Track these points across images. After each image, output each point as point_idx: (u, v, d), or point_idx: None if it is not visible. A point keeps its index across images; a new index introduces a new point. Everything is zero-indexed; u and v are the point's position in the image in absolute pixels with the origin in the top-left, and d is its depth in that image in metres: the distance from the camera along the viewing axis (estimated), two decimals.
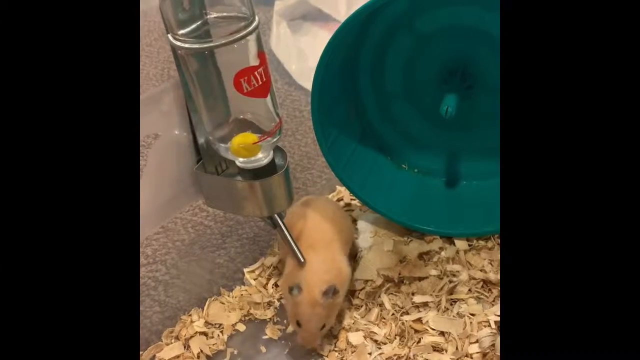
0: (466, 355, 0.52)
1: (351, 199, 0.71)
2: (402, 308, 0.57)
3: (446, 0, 0.57)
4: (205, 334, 0.57)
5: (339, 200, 0.72)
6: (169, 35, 0.45)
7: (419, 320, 0.55)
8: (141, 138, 0.79)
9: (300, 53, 0.94)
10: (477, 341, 0.52)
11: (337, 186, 0.74)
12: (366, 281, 0.60)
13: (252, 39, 0.45)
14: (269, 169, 0.51)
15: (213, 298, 0.60)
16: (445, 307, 0.56)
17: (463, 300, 0.57)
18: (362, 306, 0.58)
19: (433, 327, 0.54)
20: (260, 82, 0.46)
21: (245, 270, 0.64)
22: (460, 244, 0.62)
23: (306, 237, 0.55)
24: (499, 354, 0.49)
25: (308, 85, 0.91)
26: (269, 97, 0.48)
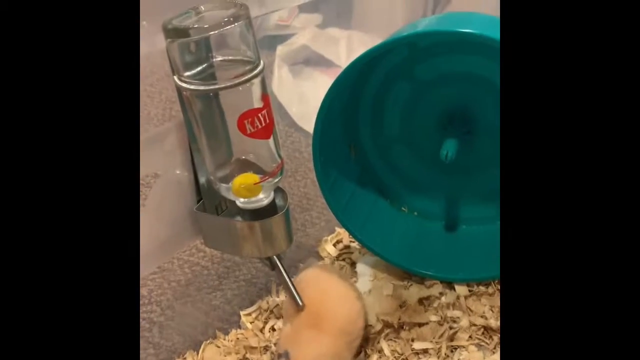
0: None
1: (350, 241, 0.71)
2: (402, 355, 0.56)
3: (445, 49, 0.58)
4: None
5: (338, 242, 0.71)
6: (175, 77, 0.46)
7: None
8: (141, 177, 0.79)
9: (301, 96, 0.96)
10: None
11: (336, 228, 0.73)
12: (365, 326, 0.59)
13: (256, 82, 0.46)
14: (270, 210, 0.51)
15: (208, 341, 0.59)
16: (445, 354, 0.55)
17: (464, 347, 0.56)
18: (360, 352, 0.57)
19: None
20: (263, 124, 0.47)
21: (242, 312, 0.62)
22: (461, 289, 0.62)
23: (318, 315, 0.52)
24: None
25: (308, 127, 0.93)
26: (271, 139, 0.49)
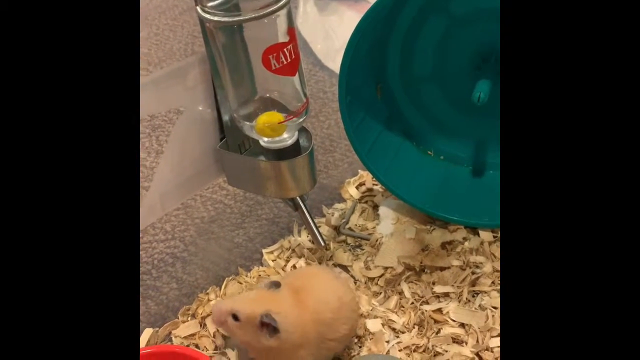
0: (487, 349, 0.50)
1: (374, 184, 0.70)
2: (422, 297, 0.56)
3: None
4: None
5: (361, 184, 0.70)
6: (198, 8, 0.44)
7: (439, 310, 0.54)
8: (164, 113, 0.79)
9: (326, 33, 0.93)
10: (498, 335, 0.51)
11: (359, 170, 0.72)
12: (386, 268, 0.59)
13: (282, 14, 0.43)
14: (294, 150, 0.50)
15: (231, 277, 0.60)
16: (467, 298, 0.55)
17: (485, 293, 0.55)
18: (380, 293, 0.57)
19: (453, 319, 0.53)
20: (289, 60, 0.45)
21: (264, 251, 0.63)
22: (485, 235, 0.61)
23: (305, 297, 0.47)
24: None
25: (333, 65, 0.90)
26: (297, 76, 0.47)
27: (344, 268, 0.60)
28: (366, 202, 0.68)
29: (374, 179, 0.66)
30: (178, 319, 0.56)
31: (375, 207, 0.66)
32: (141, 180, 0.71)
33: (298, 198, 0.54)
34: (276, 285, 0.47)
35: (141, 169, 0.72)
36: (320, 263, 0.61)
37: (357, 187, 0.70)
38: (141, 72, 0.97)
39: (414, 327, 0.53)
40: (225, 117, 0.52)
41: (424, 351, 0.51)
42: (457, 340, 0.52)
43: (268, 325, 0.44)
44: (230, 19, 0.43)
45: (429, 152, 0.67)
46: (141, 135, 0.77)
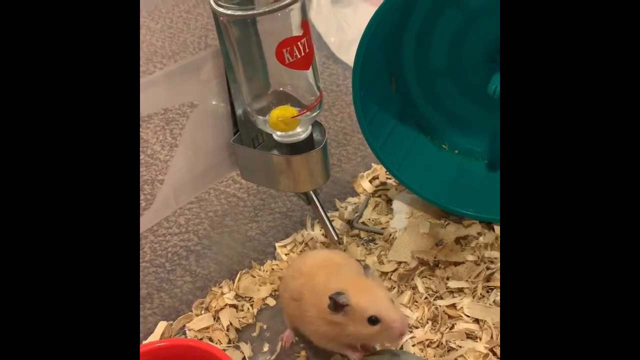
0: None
1: (387, 178, 0.69)
2: (436, 292, 0.55)
3: None
4: (235, 306, 0.57)
5: (375, 178, 0.70)
6: (211, 1, 0.44)
7: (453, 306, 0.54)
8: (178, 106, 0.79)
9: (340, 25, 0.92)
10: None
11: (372, 164, 0.72)
12: (399, 263, 0.59)
13: (296, 7, 0.43)
14: (307, 144, 0.49)
15: (244, 271, 0.60)
16: (481, 294, 0.55)
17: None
18: (394, 288, 0.57)
19: (468, 314, 0.53)
20: (303, 53, 0.44)
21: (277, 244, 0.63)
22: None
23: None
24: None
25: (346, 58, 0.89)
26: (310, 70, 0.46)
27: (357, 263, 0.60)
28: (379, 196, 0.68)
29: (388, 173, 0.66)
30: (192, 312, 0.57)
31: (389, 201, 0.66)
32: (155, 173, 0.71)
33: (311, 192, 0.54)
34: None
35: (155, 162, 0.73)
36: None
37: (370, 181, 0.70)
38: (155, 65, 0.97)
39: (427, 323, 0.53)
40: (239, 111, 0.51)
41: (437, 346, 0.51)
42: (471, 336, 0.51)
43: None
44: (244, 13, 0.42)
45: (444, 146, 0.66)
46: (155, 129, 0.77)
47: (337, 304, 0.42)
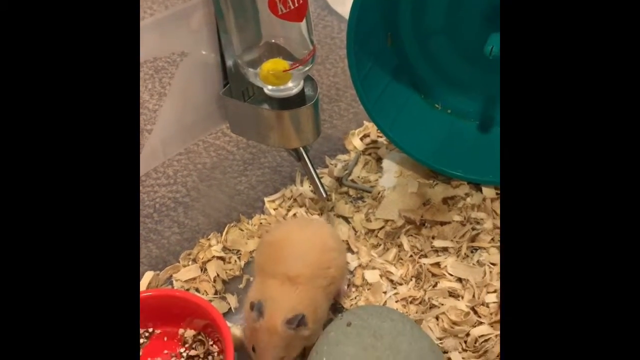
0: (482, 304, 0.51)
1: (378, 136, 0.69)
2: (421, 251, 0.56)
3: None
4: (222, 258, 0.57)
5: (366, 136, 0.70)
6: None
7: (437, 264, 0.55)
8: (168, 55, 0.77)
9: None
10: (495, 291, 0.52)
11: (364, 121, 0.71)
12: (386, 221, 0.59)
13: None
14: (298, 99, 0.49)
15: (232, 224, 0.60)
16: (465, 253, 0.55)
17: (484, 249, 0.56)
18: (380, 245, 0.57)
19: (451, 273, 0.54)
20: (296, 4, 0.43)
21: (266, 199, 0.63)
22: (488, 191, 0.61)
23: (286, 266, 0.46)
24: None
25: (342, 10, 0.87)
26: (304, 22, 0.45)
27: (345, 219, 0.60)
28: (370, 154, 0.67)
29: (379, 131, 0.65)
30: (179, 263, 0.57)
31: (379, 159, 0.66)
32: (144, 122, 0.70)
33: (301, 148, 0.53)
34: (259, 311, 0.44)
35: (144, 111, 0.72)
36: (321, 214, 0.61)
37: (361, 139, 0.69)
38: (145, 11, 0.94)
39: (411, 280, 0.54)
40: (229, 63, 0.50)
41: (420, 303, 0.52)
42: (453, 294, 0.53)
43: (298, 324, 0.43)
44: None
45: (436, 106, 0.65)
46: (144, 77, 0.75)
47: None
